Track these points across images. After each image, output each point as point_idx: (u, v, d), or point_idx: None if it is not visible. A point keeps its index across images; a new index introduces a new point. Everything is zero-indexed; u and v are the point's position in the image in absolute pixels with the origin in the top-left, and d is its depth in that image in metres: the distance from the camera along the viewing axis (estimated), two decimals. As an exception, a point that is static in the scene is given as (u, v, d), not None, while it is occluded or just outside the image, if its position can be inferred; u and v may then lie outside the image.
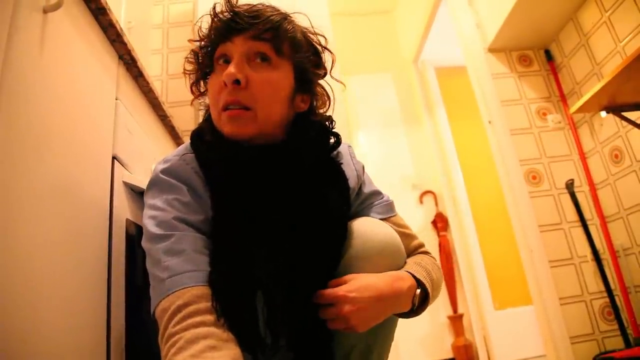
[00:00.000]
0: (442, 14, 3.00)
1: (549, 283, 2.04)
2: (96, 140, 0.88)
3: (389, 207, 0.92)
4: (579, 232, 2.14)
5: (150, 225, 0.71)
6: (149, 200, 0.75)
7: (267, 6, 0.79)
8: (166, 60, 2.30)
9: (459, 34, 2.55)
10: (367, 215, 0.88)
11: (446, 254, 3.06)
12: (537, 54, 2.46)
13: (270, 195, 0.76)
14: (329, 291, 0.72)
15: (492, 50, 2.41)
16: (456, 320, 2.94)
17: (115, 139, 0.96)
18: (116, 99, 1.00)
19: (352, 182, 0.86)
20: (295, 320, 0.72)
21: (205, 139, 0.80)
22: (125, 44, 1.02)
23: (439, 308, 3.02)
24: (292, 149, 0.79)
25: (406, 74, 3.68)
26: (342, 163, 0.87)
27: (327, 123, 0.88)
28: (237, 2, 0.78)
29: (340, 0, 3.64)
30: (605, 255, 2.09)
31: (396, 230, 0.85)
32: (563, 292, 2.05)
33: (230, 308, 0.64)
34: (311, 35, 0.86)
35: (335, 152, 0.88)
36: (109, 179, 0.91)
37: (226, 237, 0.72)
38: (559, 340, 1.97)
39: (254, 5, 0.79)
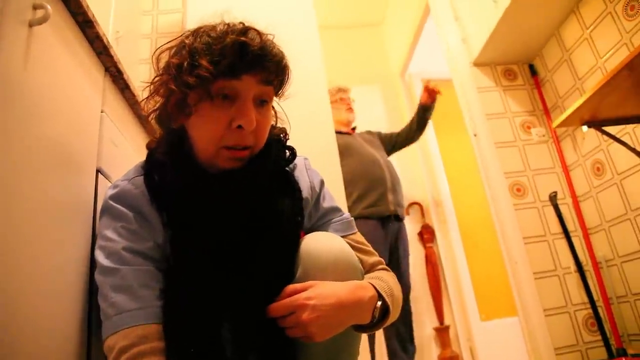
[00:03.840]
0: (429, 28, 3.05)
1: (533, 295, 2.06)
2: (80, 153, 0.88)
3: (348, 224, 0.91)
4: (562, 244, 2.17)
5: (100, 257, 0.72)
6: (100, 228, 0.76)
7: (267, 39, 0.76)
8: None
9: (445, 48, 2.59)
10: (326, 231, 0.88)
11: (432, 265, 3.08)
12: (521, 69, 2.50)
13: (227, 213, 0.77)
14: (287, 300, 0.70)
15: (478, 64, 2.45)
16: (443, 331, 2.95)
17: (100, 151, 0.96)
18: (102, 112, 1.00)
19: (306, 192, 0.87)
20: (265, 338, 0.72)
21: (166, 163, 0.78)
22: (111, 57, 1.02)
23: (425, 320, 3.02)
24: (255, 170, 0.79)
25: (394, 87, 3.72)
26: (296, 175, 0.88)
27: (281, 136, 0.90)
28: (244, 28, 0.74)
29: (329, 13, 3.67)
30: (588, 267, 2.12)
31: (355, 247, 0.85)
32: (547, 304, 2.07)
33: (193, 338, 0.65)
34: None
35: (291, 165, 0.90)
36: (93, 191, 0.90)
37: (185, 265, 0.73)
38: (544, 352, 1.99)
39: (260, 37, 0.74)
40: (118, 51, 1.11)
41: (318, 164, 1.83)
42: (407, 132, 2.70)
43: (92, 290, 0.82)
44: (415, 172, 3.40)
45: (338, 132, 2.57)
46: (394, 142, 2.71)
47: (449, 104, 2.74)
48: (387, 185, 2.36)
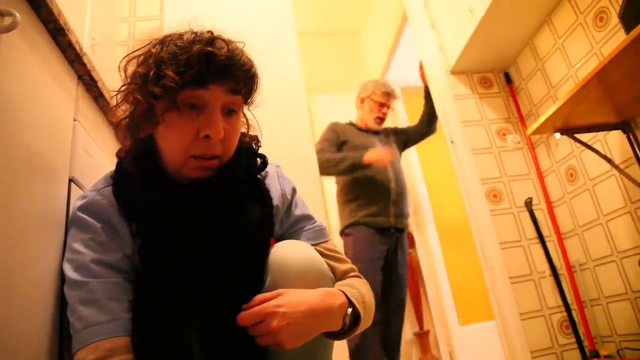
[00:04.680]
0: (407, 36, 3.09)
1: (509, 299, 2.09)
2: (52, 163, 0.86)
3: (320, 232, 0.91)
4: (537, 248, 2.21)
5: (68, 270, 0.72)
6: (69, 241, 0.75)
7: (235, 47, 0.75)
8: (131, 77, 2.27)
9: (422, 56, 2.62)
10: (297, 239, 0.88)
11: (412, 270, 3.10)
12: (497, 77, 2.55)
13: (196, 222, 0.77)
14: (257, 308, 0.70)
15: (454, 72, 2.49)
16: (422, 336, 2.97)
17: (73, 160, 0.94)
18: (74, 120, 0.98)
19: (277, 200, 0.87)
20: (235, 347, 0.72)
21: (135, 173, 0.78)
22: (84, 64, 1.01)
23: (405, 325, 3.04)
24: (224, 179, 0.79)
25: (373, 94, 3.74)
26: (267, 183, 0.89)
27: (253, 144, 0.90)
28: (211, 37, 0.74)
29: (309, 19, 3.69)
30: (562, 271, 2.16)
31: (326, 255, 0.85)
32: (523, 308, 2.10)
33: (163, 350, 0.65)
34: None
35: (263, 173, 0.90)
36: (65, 201, 0.89)
37: (154, 275, 0.73)
38: (520, 355, 2.02)
39: (228, 46, 0.74)
40: (94, 58, 1.10)
41: (295, 171, 1.83)
42: (419, 129, 2.69)
43: (63, 304, 0.81)
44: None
45: (357, 127, 2.56)
46: (407, 139, 2.71)
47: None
48: (390, 197, 2.36)
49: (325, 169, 2.31)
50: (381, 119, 2.57)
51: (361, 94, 2.64)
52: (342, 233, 2.39)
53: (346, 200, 2.40)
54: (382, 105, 2.57)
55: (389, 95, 2.59)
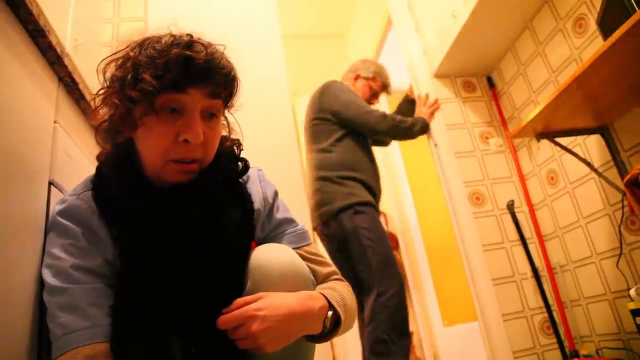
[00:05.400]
0: (392, 40, 3.11)
1: (492, 300, 2.11)
2: (32, 165, 0.85)
3: (302, 236, 0.92)
4: (519, 250, 2.24)
5: (47, 276, 0.71)
6: (48, 246, 0.75)
7: (214, 51, 0.75)
8: (115, 79, 2.25)
9: (406, 59, 2.65)
10: (279, 243, 0.88)
11: (397, 272, 3.11)
12: (480, 81, 2.58)
13: (176, 227, 0.77)
14: (237, 311, 0.70)
15: (438, 75, 2.52)
16: (407, 338, 2.98)
17: (53, 163, 0.93)
18: (55, 122, 0.97)
19: (258, 203, 0.88)
20: (215, 351, 0.72)
21: (114, 177, 0.78)
22: (65, 66, 1.00)
23: (390, 326, 3.05)
24: (204, 183, 0.79)
25: (358, 96, 3.76)
26: (249, 187, 0.89)
27: (235, 148, 0.90)
28: (190, 41, 0.73)
29: (294, 22, 3.70)
30: (543, 272, 2.20)
31: (308, 258, 0.86)
32: (505, 309, 2.13)
33: (142, 354, 0.65)
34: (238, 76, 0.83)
35: (244, 176, 0.90)
36: (44, 205, 0.88)
37: (134, 279, 0.73)
38: (502, 355, 2.04)
39: (207, 49, 0.74)
40: (77, 59, 1.09)
41: (279, 173, 1.84)
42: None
43: (43, 310, 0.80)
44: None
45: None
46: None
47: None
48: (378, 178, 2.28)
49: (395, 132, 2.25)
50: (371, 100, 2.46)
51: (361, 71, 2.48)
52: (351, 210, 2.03)
53: (347, 177, 2.11)
54: (375, 95, 2.47)
55: (387, 88, 2.50)
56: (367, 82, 2.44)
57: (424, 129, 2.35)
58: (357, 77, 2.48)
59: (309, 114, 2.33)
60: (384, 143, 2.68)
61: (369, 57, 3.46)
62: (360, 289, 1.94)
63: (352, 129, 2.23)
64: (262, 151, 1.84)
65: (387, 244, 2.04)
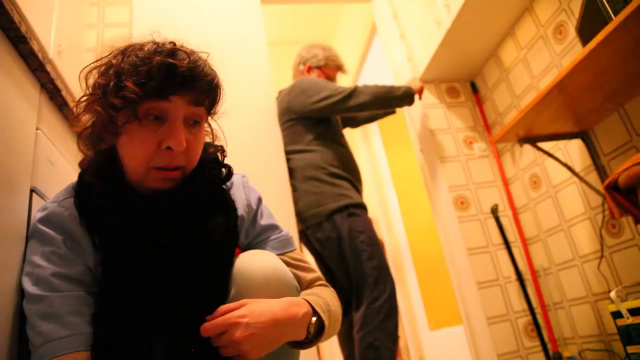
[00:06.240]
0: (377, 46, 3.13)
1: (476, 304, 2.13)
2: (13, 172, 0.85)
3: (286, 242, 0.92)
4: (503, 254, 2.27)
5: (27, 284, 0.70)
6: (28, 254, 0.74)
7: (197, 58, 0.75)
8: (99, 84, 2.23)
9: (391, 65, 2.67)
10: (263, 249, 0.88)
11: (383, 277, 3.12)
12: (463, 86, 2.62)
13: (158, 234, 0.76)
14: (220, 319, 0.69)
15: (423, 81, 2.53)
16: (394, 342, 2.99)
17: (35, 170, 0.92)
18: (37, 129, 0.97)
19: (242, 210, 0.88)
20: (198, 358, 0.72)
21: (96, 184, 0.77)
22: (47, 73, 0.99)
23: (377, 331, 3.06)
24: (187, 190, 0.79)
25: (344, 102, 3.77)
26: (232, 193, 0.89)
27: (218, 154, 0.90)
28: (173, 48, 0.73)
29: (279, 28, 3.71)
30: (527, 276, 2.22)
31: (292, 264, 0.86)
32: (490, 312, 2.15)
33: None
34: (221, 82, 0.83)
35: (228, 183, 0.90)
36: (26, 212, 0.87)
37: (116, 287, 0.72)
38: (487, 359, 2.06)
39: (190, 57, 0.74)
40: (61, 65, 1.09)
41: (264, 179, 1.84)
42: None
43: (22, 319, 0.79)
44: (364, 185, 3.45)
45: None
46: None
47: (397, 119, 2.81)
48: (360, 179, 2.21)
49: (377, 98, 2.07)
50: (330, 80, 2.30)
51: (310, 61, 2.34)
52: (345, 212, 1.97)
53: (335, 175, 2.04)
54: (332, 80, 2.32)
55: (341, 68, 2.38)
56: (321, 71, 2.32)
57: (407, 93, 2.15)
58: (309, 69, 2.35)
59: (279, 117, 2.17)
60: (358, 123, 2.53)
61: (352, 63, 3.47)
62: (353, 293, 1.92)
63: (328, 122, 2.13)
64: (248, 157, 1.84)
65: (380, 249, 2.02)
